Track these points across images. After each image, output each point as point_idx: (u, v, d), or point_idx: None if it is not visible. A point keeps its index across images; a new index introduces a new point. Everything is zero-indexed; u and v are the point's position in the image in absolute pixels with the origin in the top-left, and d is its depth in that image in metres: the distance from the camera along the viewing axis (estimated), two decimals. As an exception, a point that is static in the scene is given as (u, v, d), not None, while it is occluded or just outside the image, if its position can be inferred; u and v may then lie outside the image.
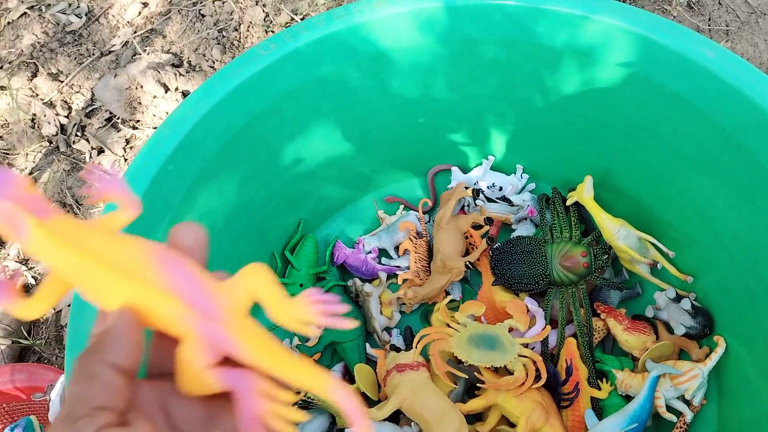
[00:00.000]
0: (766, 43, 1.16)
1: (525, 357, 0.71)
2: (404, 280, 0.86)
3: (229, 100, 0.72)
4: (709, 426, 0.73)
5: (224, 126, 0.73)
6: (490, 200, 0.89)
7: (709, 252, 0.75)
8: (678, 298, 0.76)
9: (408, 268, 0.87)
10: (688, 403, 0.72)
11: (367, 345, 0.82)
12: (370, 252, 0.88)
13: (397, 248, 0.89)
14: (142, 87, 1.18)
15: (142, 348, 0.29)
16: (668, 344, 0.75)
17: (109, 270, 0.30)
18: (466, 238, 0.86)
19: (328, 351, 0.85)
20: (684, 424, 0.71)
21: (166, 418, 0.30)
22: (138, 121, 1.18)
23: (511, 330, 0.74)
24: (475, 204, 0.88)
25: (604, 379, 0.76)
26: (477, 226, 0.87)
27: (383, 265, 0.88)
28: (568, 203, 0.81)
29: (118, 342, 0.28)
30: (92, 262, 0.30)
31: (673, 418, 0.71)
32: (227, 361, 0.30)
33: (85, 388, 0.28)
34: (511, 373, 0.71)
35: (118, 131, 1.17)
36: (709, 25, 1.20)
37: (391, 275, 0.88)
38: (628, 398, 0.74)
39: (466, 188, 0.88)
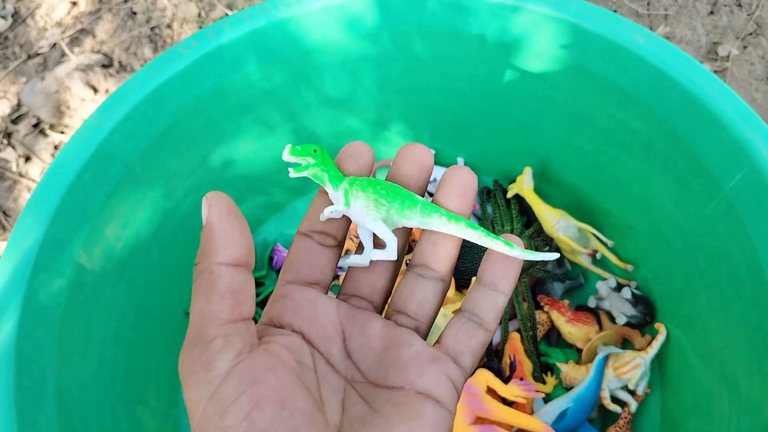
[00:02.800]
0: (704, 26, 1.16)
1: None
2: (346, 281, 0.83)
3: (149, 102, 0.69)
4: (653, 414, 0.73)
5: (146, 129, 0.69)
6: (431, 195, 0.88)
7: (648, 239, 0.74)
8: (619, 287, 0.76)
9: (350, 268, 0.84)
10: (632, 393, 0.72)
11: (309, 350, 0.79)
12: (310, 253, 0.85)
13: (338, 248, 0.86)
14: (70, 90, 1.13)
15: (251, 236, 0.28)
16: (611, 334, 0.74)
17: None
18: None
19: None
20: (629, 414, 0.71)
21: (343, 341, 0.31)
22: (66, 126, 1.12)
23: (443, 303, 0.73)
24: (416, 200, 0.86)
25: (549, 373, 0.75)
26: (418, 223, 0.85)
27: (324, 266, 0.85)
28: (508, 195, 0.80)
29: (223, 236, 0.27)
30: None
31: (617, 409, 0.70)
32: (478, 420, 0.64)
33: (209, 303, 0.26)
34: None
35: (46, 137, 1.12)
36: (648, 10, 1.20)
37: (334, 277, 0.85)
38: (573, 391, 0.73)
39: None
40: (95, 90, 1.13)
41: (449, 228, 0.32)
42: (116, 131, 0.66)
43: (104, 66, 1.17)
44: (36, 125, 1.13)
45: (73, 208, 0.63)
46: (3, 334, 0.56)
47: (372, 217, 0.32)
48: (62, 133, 1.12)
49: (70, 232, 0.63)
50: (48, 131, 1.12)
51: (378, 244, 0.34)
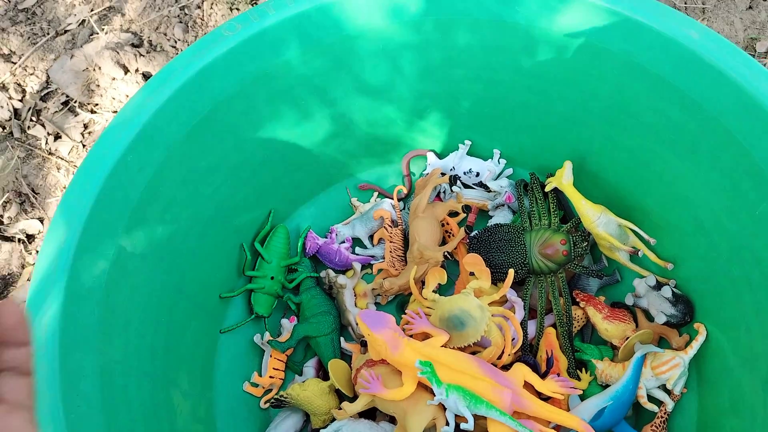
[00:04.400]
0: (742, 21, 1.14)
1: (497, 316, 0.71)
2: (379, 270, 0.83)
3: (192, 85, 0.68)
4: (689, 415, 0.72)
5: (187, 112, 0.69)
6: (466, 186, 0.87)
7: (690, 238, 0.73)
8: (658, 286, 0.75)
9: (383, 257, 0.84)
10: (668, 392, 0.72)
11: (342, 339, 0.79)
12: (343, 242, 0.85)
13: (371, 237, 0.86)
14: (100, 68, 1.12)
15: None
16: (648, 332, 0.73)
17: (445, 366, 0.64)
18: (443, 225, 0.83)
19: (301, 345, 0.82)
20: (665, 413, 0.70)
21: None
22: (96, 104, 1.12)
23: (479, 295, 0.72)
24: (452, 190, 0.85)
25: (584, 369, 0.75)
26: (454, 214, 0.84)
27: (357, 255, 0.85)
28: (546, 189, 0.79)
29: None
30: (435, 362, 0.64)
31: (654, 408, 0.70)
32: (515, 415, 0.64)
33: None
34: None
35: (76, 116, 1.11)
36: (685, 3, 1.18)
37: (366, 265, 0.85)
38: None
39: (442, 174, 0.85)
40: (126, 70, 1.12)
41: (502, 419, 0.63)
42: (160, 113, 0.66)
43: (134, 45, 1.16)
44: (65, 103, 1.13)
45: (117, 191, 0.63)
46: (48, 318, 0.56)
47: (461, 405, 0.62)
48: (92, 112, 1.11)
49: (113, 214, 0.63)
50: (77, 109, 1.12)
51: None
